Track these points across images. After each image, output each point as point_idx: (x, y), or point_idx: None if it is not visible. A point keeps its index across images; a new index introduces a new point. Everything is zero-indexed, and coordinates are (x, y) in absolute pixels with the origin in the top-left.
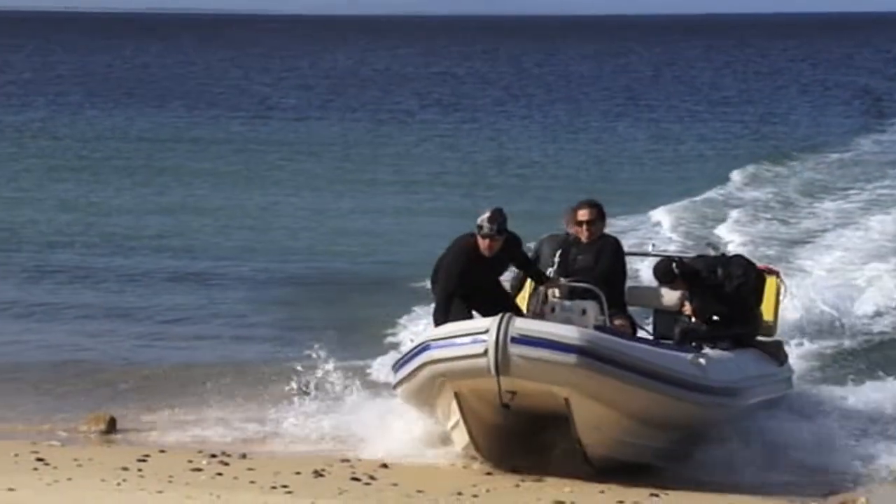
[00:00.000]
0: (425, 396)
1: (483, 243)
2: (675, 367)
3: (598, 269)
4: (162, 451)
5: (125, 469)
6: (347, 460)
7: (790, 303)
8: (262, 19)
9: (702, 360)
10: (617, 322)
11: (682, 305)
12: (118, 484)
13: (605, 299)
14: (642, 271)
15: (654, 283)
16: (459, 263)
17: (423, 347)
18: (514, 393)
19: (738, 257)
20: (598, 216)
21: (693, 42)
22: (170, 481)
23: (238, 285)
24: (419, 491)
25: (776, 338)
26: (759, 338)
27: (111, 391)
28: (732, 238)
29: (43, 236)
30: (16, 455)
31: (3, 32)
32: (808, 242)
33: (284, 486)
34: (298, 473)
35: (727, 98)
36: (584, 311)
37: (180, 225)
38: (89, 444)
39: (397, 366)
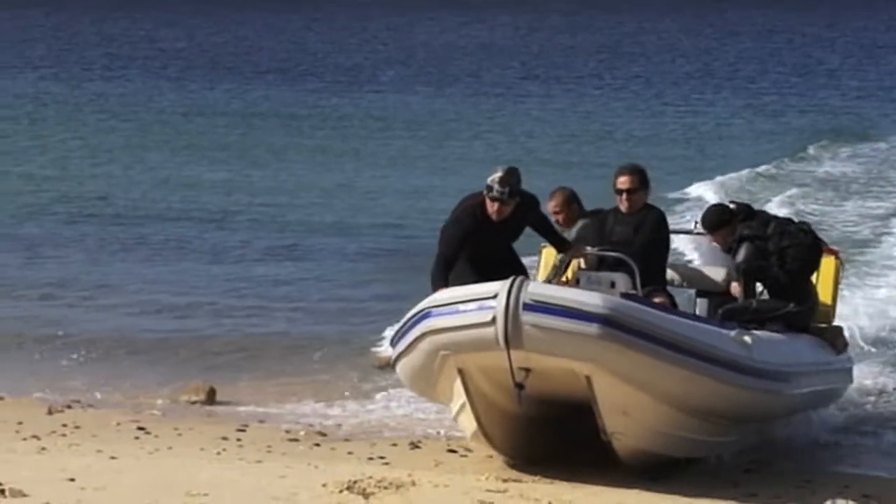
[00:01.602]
0: (426, 374)
1: (492, 206)
2: (716, 344)
3: (636, 243)
4: (261, 422)
5: (224, 439)
6: (442, 432)
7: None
8: None
9: (747, 339)
10: (655, 301)
11: (728, 286)
12: (217, 454)
13: (638, 272)
14: (681, 248)
15: (695, 263)
16: (463, 226)
17: (422, 315)
18: (527, 371)
19: (802, 223)
20: (641, 184)
21: (802, 13)
22: (268, 451)
23: (332, 258)
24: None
25: (835, 324)
26: (817, 325)
27: (211, 362)
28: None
29: (138, 208)
30: (118, 424)
31: (105, 7)
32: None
33: (381, 458)
34: (395, 445)
35: (832, 70)
36: (613, 284)
37: (274, 199)
38: (189, 414)
39: (396, 339)
